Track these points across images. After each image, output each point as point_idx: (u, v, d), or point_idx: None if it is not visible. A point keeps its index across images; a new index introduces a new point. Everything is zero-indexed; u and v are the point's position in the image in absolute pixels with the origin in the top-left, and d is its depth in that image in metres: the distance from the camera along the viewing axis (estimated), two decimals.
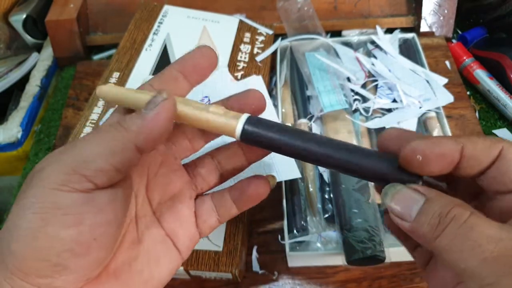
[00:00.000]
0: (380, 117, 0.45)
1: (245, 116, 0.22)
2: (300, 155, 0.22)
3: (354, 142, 0.42)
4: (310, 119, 0.45)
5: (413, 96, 0.45)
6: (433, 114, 0.45)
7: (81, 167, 0.18)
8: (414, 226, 0.18)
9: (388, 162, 0.21)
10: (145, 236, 0.23)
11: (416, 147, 0.19)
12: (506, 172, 0.18)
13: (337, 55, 0.50)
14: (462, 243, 0.16)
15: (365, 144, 0.43)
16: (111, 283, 0.20)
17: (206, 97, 0.42)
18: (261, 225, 0.42)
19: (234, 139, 0.23)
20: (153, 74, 0.45)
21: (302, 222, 0.38)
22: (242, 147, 0.25)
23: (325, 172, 0.41)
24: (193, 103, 0.22)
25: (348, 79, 0.47)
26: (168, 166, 0.25)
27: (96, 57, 0.59)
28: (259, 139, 0.22)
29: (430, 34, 0.55)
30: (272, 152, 0.37)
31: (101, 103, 0.43)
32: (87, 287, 0.19)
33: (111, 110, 0.42)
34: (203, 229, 0.25)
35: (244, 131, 0.22)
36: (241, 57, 0.48)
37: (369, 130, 0.44)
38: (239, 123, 0.22)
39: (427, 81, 0.47)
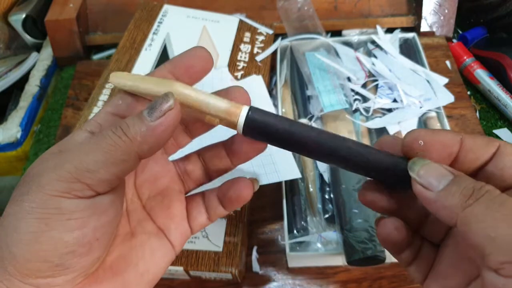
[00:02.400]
0: (380, 117, 0.45)
1: (246, 107, 0.21)
2: (305, 146, 0.21)
3: None
4: (310, 119, 0.45)
5: (414, 96, 0.45)
6: (433, 114, 0.45)
7: (84, 176, 0.18)
8: (441, 195, 0.18)
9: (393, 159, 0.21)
10: (138, 230, 0.23)
11: (418, 133, 0.20)
12: (504, 168, 0.19)
13: (337, 54, 0.50)
14: (497, 211, 0.17)
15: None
16: (108, 277, 0.21)
17: None
18: (261, 225, 0.42)
19: (220, 140, 0.23)
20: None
21: (302, 222, 0.38)
22: (226, 149, 0.25)
23: (326, 172, 0.41)
24: (195, 92, 0.21)
25: (349, 79, 0.47)
26: (155, 161, 0.25)
27: (95, 57, 0.59)
28: (264, 127, 0.21)
29: (430, 34, 0.55)
30: (271, 153, 0.37)
31: (100, 103, 0.43)
32: (84, 283, 0.20)
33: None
34: (193, 226, 0.25)
35: (248, 118, 0.21)
36: (241, 56, 0.48)
37: (369, 130, 0.44)
38: (241, 114, 0.21)
39: (428, 81, 0.46)
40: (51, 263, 0.18)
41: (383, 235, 0.22)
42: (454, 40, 0.57)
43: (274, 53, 0.50)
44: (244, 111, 0.21)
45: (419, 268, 0.23)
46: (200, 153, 0.26)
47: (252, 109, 0.21)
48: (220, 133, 0.26)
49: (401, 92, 0.45)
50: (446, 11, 0.55)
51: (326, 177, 0.41)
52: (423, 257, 0.23)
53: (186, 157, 0.26)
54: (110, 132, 0.19)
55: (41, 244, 0.17)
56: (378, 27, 0.54)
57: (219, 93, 0.23)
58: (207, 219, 0.25)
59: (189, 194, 0.26)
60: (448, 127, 0.43)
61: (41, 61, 0.57)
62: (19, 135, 0.50)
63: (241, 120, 0.21)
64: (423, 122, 0.45)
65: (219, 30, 0.50)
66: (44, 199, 0.18)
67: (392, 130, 0.43)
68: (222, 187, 0.25)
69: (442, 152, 0.20)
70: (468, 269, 0.20)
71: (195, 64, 0.22)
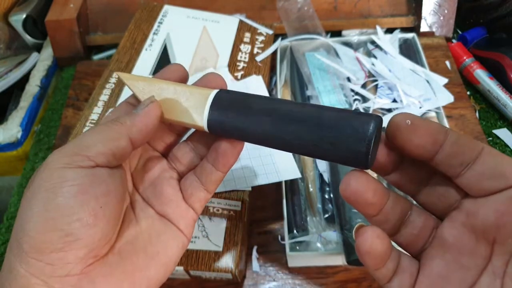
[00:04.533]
0: None
1: (206, 113, 0.23)
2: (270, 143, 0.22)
3: None
4: None
5: (413, 96, 0.45)
6: (433, 114, 0.45)
7: (83, 150, 0.21)
8: None
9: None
10: (141, 217, 0.25)
11: (407, 115, 0.20)
12: (496, 166, 0.19)
13: (337, 55, 0.50)
14: None
15: None
16: (117, 261, 0.22)
17: None
18: (261, 225, 0.42)
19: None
20: (153, 74, 0.45)
21: (302, 222, 0.38)
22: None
23: (325, 172, 0.41)
24: (173, 105, 0.25)
25: (348, 79, 0.47)
26: (145, 157, 0.27)
27: (96, 57, 0.59)
28: (225, 133, 0.24)
29: (430, 34, 0.55)
30: (271, 153, 0.37)
31: (101, 103, 0.43)
32: (95, 265, 0.21)
33: (111, 109, 0.42)
34: (193, 204, 0.26)
35: (209, 126, 0.24)
36: (241, 57, 0.48)
37: None
38: (203, 120, 0.23)
39: (427, 81, 0.47)
40: (61, 231, 0.19)
41: (366, 246, 0.20)
42: (454, 40, 0.57)
43: (274, 53, 0.50)
44: (204, 122, 0.23)
45: (402, 283, 0.21)
46: (187, 138, 0.27)
47: (210, 118, 0.23)
48: None
49: (401, 92, 0.45)
50: (446, 11, 0.55)
51: (326, 177, 0.41)
52: (404, 270, 0.21)
53: (176, 146, 0.28)
54: (106, 121, 0.23)
55: (49, 212, 0.19)
56: (377, 27, 0.54)
57: (198, 83, 0.26)
58: (206, 191, 0.26)
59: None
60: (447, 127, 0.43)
61: (41, 61, 0.57)
62: (19, 135, 0.50)
63: (205, 129, 0.24)
64: None
65: (219, 31, 0.50)
66: (50, 173, 0.20)
67: None
68: (211, 149, 0.25)
69: (426, 136, 0.19)
70: (463, 277, 0.20)
71: (171, 77, 0.26)
